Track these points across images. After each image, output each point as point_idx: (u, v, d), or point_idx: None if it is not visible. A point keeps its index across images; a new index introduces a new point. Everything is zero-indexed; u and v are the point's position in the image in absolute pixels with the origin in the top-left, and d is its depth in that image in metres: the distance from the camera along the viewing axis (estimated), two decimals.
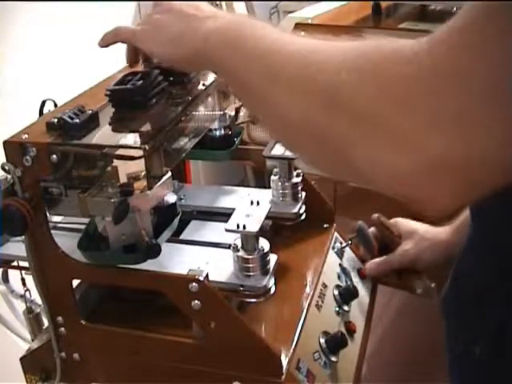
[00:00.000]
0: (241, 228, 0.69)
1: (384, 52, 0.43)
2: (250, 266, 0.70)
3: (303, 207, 0.87)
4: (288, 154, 0.85)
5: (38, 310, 0.80)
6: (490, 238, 0.61)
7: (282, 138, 0.56)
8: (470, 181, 0.41)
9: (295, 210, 0.85)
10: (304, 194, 0.88)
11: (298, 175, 0.87)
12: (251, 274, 0.70)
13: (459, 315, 0.67)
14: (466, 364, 0.65)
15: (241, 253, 0.70)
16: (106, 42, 0.70)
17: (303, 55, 0.48)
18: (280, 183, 0.87)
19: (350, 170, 0.46)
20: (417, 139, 0.40)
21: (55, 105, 0.74)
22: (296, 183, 0.87)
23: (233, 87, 0.61)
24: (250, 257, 0.70)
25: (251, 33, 0.54)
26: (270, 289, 0.70)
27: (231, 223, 0.70)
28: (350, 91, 0.43)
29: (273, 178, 0.87)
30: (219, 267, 0.71)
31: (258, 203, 0.74)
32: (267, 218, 0.72)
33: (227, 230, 0.70)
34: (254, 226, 0.69)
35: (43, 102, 0.73)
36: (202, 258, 0.74)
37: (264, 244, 0.71)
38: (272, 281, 0.71)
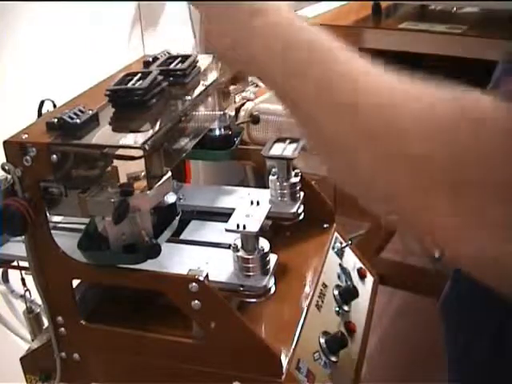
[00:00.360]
0: (241, 228, 0.69)
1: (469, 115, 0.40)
2: (250, 265, 0.70)
3: (302, 207, 0.87)
4: (286, 153, 0.85)
5: (38, 310, 0.80)
6: None
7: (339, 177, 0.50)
8: None
9: (293, 210, 0.85)
10: (302, 193, 0.88)
11: (296, 175, 0.87)
12: (251, 274, 0.70)
13: (459, 315, 0.67)
14: (466, 364, 0.65)
15: (241, 253, 0.70)
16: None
17: (386, 104, 0.43)
18: (278, 183, 0.87)
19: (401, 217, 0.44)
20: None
21: (54, 105, 0.74)
22: (294, 183, 0.86)
23: (294, 119, 0.51)
24: (250, 257, 0.70)
25: (318, 56, 0.46)
26: (269, 289, 0.70)
27: (231, 223, 0.70)
28: (442, 163, 0.40)
29: (271, 178, 0.87)
30: (219, 267, 0.71)
31: (257, 203, 0.74)
32: (267, 217, 0.72)
33: (227, 230, 0.70)
34: (254, 226, 0.69)
35: (42, 102, 0.73)
36: (202, 258, 0.74)
37: (264, 244, 0.71)
38: (272, 281, 0.71)
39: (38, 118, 0.73)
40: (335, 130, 0.45)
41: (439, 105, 0.41)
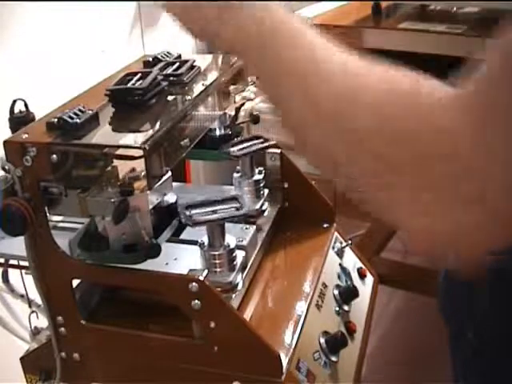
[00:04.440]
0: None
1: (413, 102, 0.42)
2: (217, 262, 0.70)
3: (266, 204, 0.87)
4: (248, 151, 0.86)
5: (38, 311, 0.80)
6: None
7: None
8: None
9: (257, 207, 0.85)
10: (267, 190, 0.88)
11: (260, 172, 0.88)
12: (218, 270, 0.71)
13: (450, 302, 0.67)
14: (473, 364, 0.65)
15: (207, 249, 0.70)
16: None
17: (347, 87, 0.45)
18: (241, 181, 0.87)
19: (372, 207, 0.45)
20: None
21: (25, 104, 0.74)
22: (257, 180, 0.87)
23: (264, 92, 0.53)
24: (216, 253, 0.70)
25: (287, 36, 0.49)
26: (236, 285, 0.71)
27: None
28: (370, 136, 0.42)
29: (235, 175, 0.88)
30: (187, 263, 0.71)
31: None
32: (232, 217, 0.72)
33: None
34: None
35: (14, 102, 0.73)
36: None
37: (230, 240, 0.71)
38: (239, 277, 0.71)
39: (9, 116, 0.73)
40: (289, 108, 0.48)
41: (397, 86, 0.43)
